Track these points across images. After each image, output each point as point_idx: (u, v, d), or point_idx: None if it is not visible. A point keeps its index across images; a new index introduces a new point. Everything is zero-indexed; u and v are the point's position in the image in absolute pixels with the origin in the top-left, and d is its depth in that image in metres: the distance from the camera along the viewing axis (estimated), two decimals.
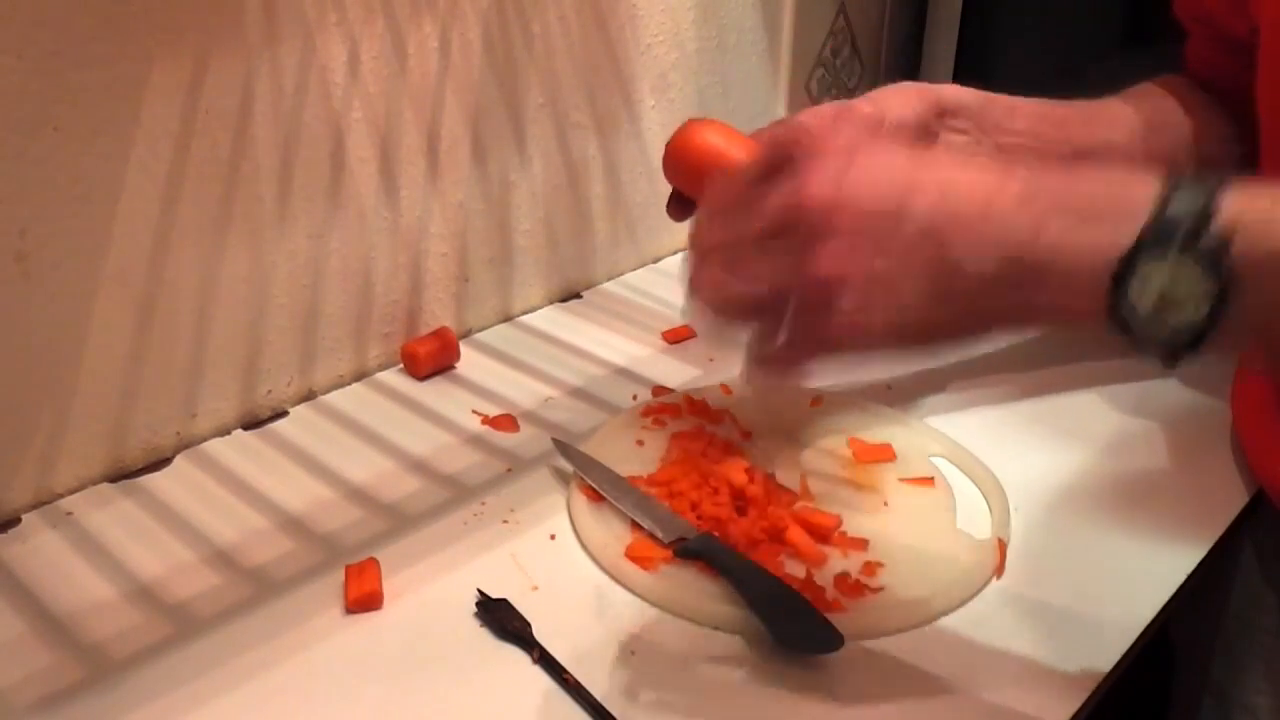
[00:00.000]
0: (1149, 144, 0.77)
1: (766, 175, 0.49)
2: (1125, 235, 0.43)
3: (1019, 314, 0.47)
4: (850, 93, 1.25)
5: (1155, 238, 0.42)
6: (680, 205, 0.68)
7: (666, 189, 1.04)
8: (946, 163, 0.48)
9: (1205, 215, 0.42)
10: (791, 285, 0.47)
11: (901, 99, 0.72)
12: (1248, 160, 0.73)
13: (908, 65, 1.29)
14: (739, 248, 0.49)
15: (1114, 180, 0.46)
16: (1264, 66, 0.67)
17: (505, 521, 0.70)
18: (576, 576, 0.65)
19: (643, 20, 0.99)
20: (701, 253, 0.51)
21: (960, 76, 1.17)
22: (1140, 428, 0.79)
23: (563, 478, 0.73)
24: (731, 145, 0.63)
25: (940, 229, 0.45)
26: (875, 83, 1.28)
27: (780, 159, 0.49)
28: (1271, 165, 0.69)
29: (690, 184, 0.65)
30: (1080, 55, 1.14)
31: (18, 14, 0.63)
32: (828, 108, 0.59)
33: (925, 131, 0.73)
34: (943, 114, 0.73)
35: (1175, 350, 0.44)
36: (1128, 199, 0.44)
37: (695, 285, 0.50)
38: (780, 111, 1.17)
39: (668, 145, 0.66)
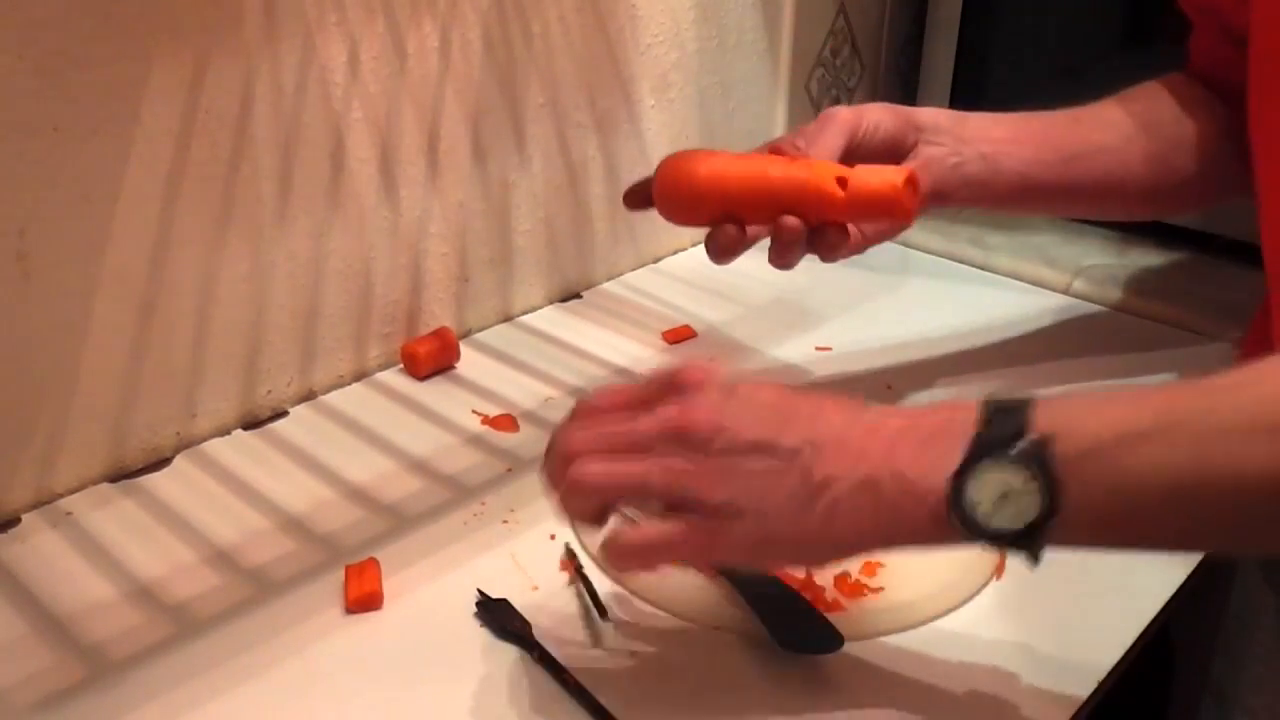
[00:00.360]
0: (1144, 145, 0.77)
1: (648, 399, 0.54)
2: (959, 450, 0.49)
3: (874, 533, 0.52)
4: (850, 93, 1.25)
5: (983, 451, 0.48)
6: (644, 198, 0.74)
7: None
8: (814, 398, 0.53)
9: (1022, 425, 0.48)
10: (670, 483, 0.51)
11: (879, 110, 0.75)
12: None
13: (908, 65, 1.29)
14: (618, 444, 0.53)
15: (943, 409, 0.52)
16: (1254, 63, 0.67)
17: (505, 521, 0.70)
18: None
19: (643, 20, 0.99)
20: (574, 450, 0.54)
21: (960, 76, 1.17)
22: None
23: None
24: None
25: (808, 453, 0.51)
26: (875, 83, 1.28)
27: (664, 386, 0.54)
28: (1265, 166, 0.69)
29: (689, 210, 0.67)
30: (1080, 55, 1.14)
31: (18, 14, 0.63)
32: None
33: (901, 142, 0.75)
34: (919, 129, 0.76)
35: (1021, 543, 0.49)
36: (958, 423, 0.50)
37: (574, 475, 0.53)
38: (780, 111, 1.17)
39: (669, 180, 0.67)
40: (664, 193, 0.70)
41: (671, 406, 0.52)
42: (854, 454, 0.51)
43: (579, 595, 0.63)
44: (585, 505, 0.54)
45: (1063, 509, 0.48)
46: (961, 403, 0.51)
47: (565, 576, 0.65)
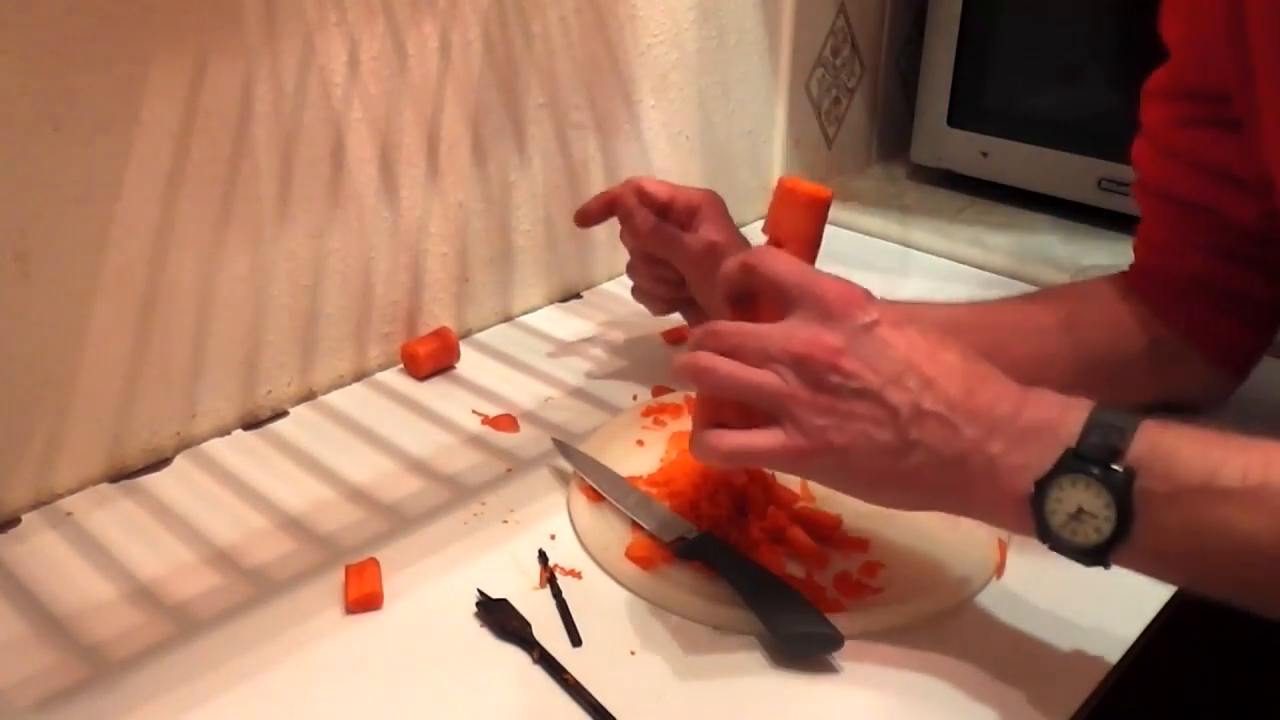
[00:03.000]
0: (1060, 347, 0.75)
1: (798, 301, 0.56)
2: (1048, 460, 0.52)
3: (950, 502, 0.56)
4: (850, 93, 1.25)
5: (1071, 466, 0.51)
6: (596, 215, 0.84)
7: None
8: (943, 360, 0.55)
9: (1115, 450, 0.50)
10: (779, 400, 0.55)
11: None
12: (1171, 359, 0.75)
13: (908, 65, 1.29)
14: (749, 351, 0.56)
15: (1052, 404, 0.54)
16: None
17: (505, 521, 0.70)
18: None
19: (643, 20, 0.99)
20: (709, 346, 0.58)
21: (960, 76, 1.17)
22: None
23: (563, 478, 0.73)
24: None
25: (908, 415, 0.53)
26: (875, 83, 1.28)
27: (816, 299, 0.56)
28: None
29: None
30: (1080, 55, 1.14)
31: (18, 14, 0.63)
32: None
33: None
34: None
35: (1086, 557, 0.52)
36: (1058, 427, 0.52)
37: (705, 363, 0.57)
38: (780, 111, 1.17)
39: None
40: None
41: (806, 329, 0.55)
42: (952, 431, 0.53)
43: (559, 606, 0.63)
44: (701, 390, 0.58)
45: (1131, 540, 0.50)
46: (1071, 402, 0.53)
47: (565, 578, 0.65)
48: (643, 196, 0.82)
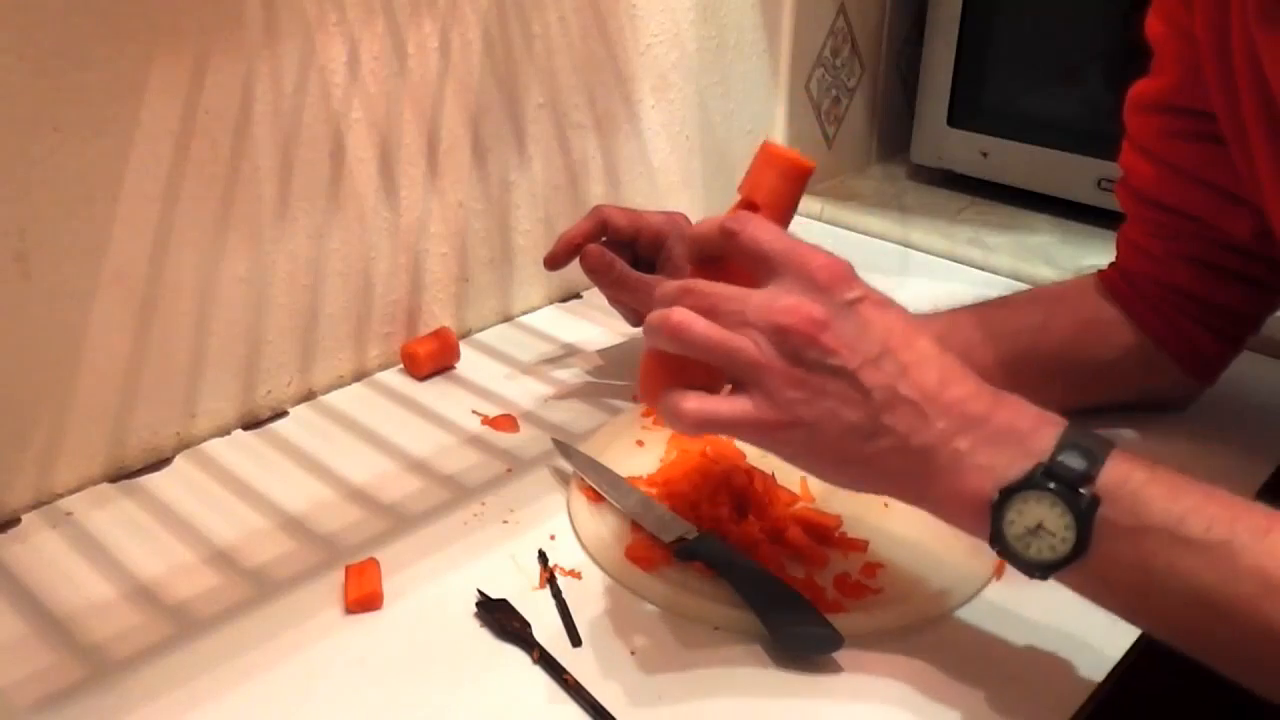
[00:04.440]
0: (1034, 348, 0.75)
1: (780, 268, 0.54)
2: (1015, 470, 0.51)
3: (908, 491, 0.55)
4: (850, 93, 1.25)
5: (1039, 482, 0.50)
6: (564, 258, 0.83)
7: (667, 189, 1.05)
8: (921, 348, 0.54)
9: (1086, 475, 0.50)
10: (752, 369, 0.53)
11: None
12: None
13: (908, 65, 1.29)
14: (727, 313, 0.54)
15: (1026, 414, 0.53)
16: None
17: (505, 521, 0.70)
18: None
19: (643, 20, 0.99)
20: (682, 303, 0.55)
21: (960, 76, 1.17)
22: (1142, 424, 0.79)
23: (563, 478, 0.73)
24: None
25: (881, 399, 0.52)
26: (875, 83, 1.28)
27: (799, 268, 0.54)
28: None
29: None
30: (1080, 55, 1.14)
31: (18, 14, 0.63)
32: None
33: None
34: None
35: (1032, 570, 0.52)
36: (1032, 438, 0.52)
37: (679, 319, 0.54)
38: (780, 111, 1.17)
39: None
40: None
41: (788, 298, 0.53)
42: (923, 420, 0.52)
43: (560, 605, 0.63)
44: (672, 348, 0.55)
45: (1083, 564, 0.50)
46: (1045, 415, 0.53)
47: (565, 578, 0.65)
48: (607, 230, 0.83)
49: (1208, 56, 0.65)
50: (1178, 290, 0.74)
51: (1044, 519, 0.50)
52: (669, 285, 0.56)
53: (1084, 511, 0.49)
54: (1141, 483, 0.50)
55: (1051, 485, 0.50)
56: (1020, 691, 0.57)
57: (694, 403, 0.54)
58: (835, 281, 0.54)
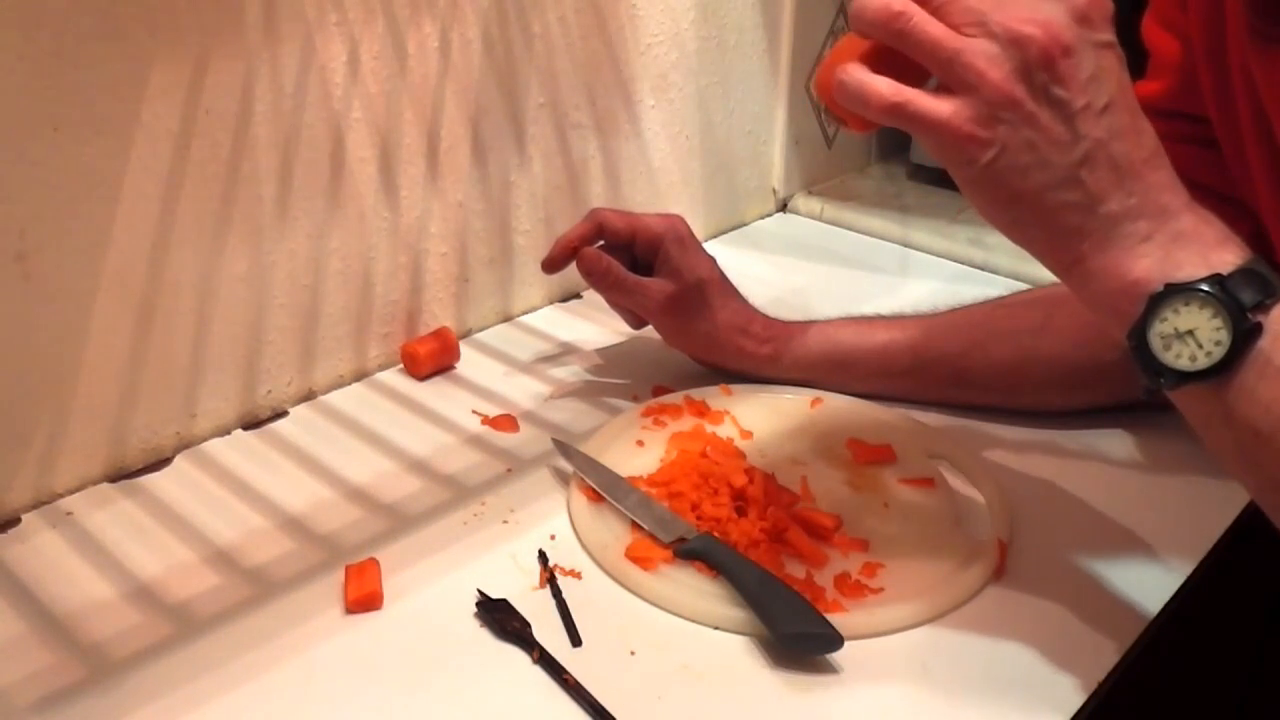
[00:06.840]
0: (1035, 350, 0.75)
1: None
2: (1188, 272, 0.49)
3: (1066, 252, 0.51)
4: None
5: (1211, 292, 0.48)
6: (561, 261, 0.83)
7: (667, 189, 1.05)
8: (1142, 130, 0.51)
9: (1259, 303, 0.48)
10: (973, 72, 0.49)
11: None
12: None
13: None
14: (959, 14, 0.50)
15: (1214, 228, 0.51)
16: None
17: (505, 521, 0.70)
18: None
19: (643, 20, 0.99)
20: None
21: None
22: (1143, 424, 0.79)
23: (563, 478, 0.73)
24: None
25: (1088, 149, 0.49)
26: None
27: None
28: None
29: None
30: None
31: (18, 14, 0.63)
32: None
33: None
34: None
35: (1159, 376, 0.50)
36: (1214, 250, 0.50)
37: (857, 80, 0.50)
38: (780, 111, 1.17)
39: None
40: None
41: (1046, 11, 0.49)
42: (1119, 189, 0.50)
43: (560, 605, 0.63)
44: (882, 36, 0.50)
45: (1215, 386, 0.49)
46: (1234, 239, 0.51)
47: (565, 577, 0.65)
48: (604, 234, 0.82)
49: (1203, 62, 0.65)
50: None
51: (1198, 327, 0.48)
52: None
53: (1243, 334, 0.48)
54: None
55: (1221, 297, 0.48)
56: (1020, 691, 0.57)
57: (889, 85, 0.50)
58: (1097, 17, 0.50)
